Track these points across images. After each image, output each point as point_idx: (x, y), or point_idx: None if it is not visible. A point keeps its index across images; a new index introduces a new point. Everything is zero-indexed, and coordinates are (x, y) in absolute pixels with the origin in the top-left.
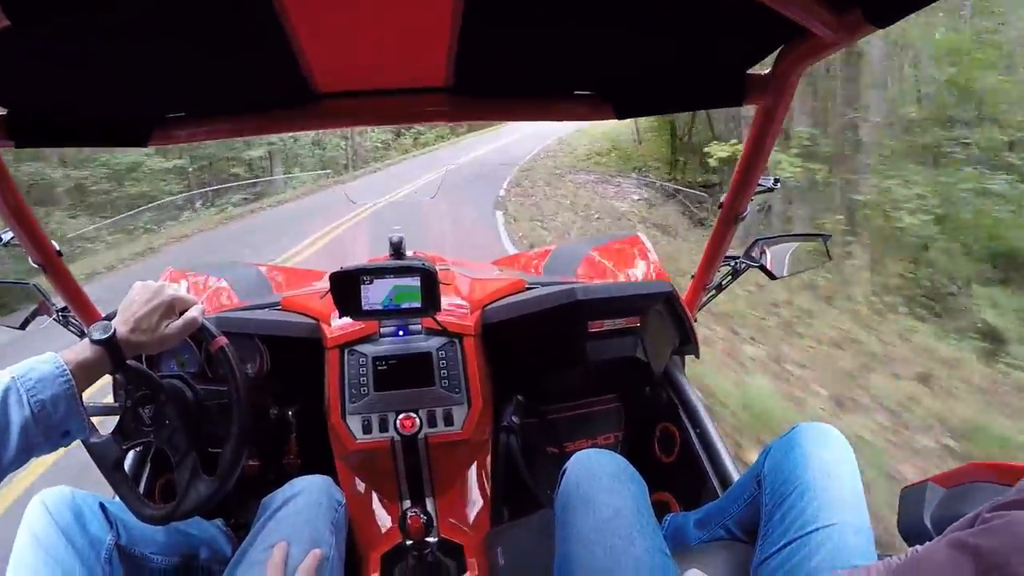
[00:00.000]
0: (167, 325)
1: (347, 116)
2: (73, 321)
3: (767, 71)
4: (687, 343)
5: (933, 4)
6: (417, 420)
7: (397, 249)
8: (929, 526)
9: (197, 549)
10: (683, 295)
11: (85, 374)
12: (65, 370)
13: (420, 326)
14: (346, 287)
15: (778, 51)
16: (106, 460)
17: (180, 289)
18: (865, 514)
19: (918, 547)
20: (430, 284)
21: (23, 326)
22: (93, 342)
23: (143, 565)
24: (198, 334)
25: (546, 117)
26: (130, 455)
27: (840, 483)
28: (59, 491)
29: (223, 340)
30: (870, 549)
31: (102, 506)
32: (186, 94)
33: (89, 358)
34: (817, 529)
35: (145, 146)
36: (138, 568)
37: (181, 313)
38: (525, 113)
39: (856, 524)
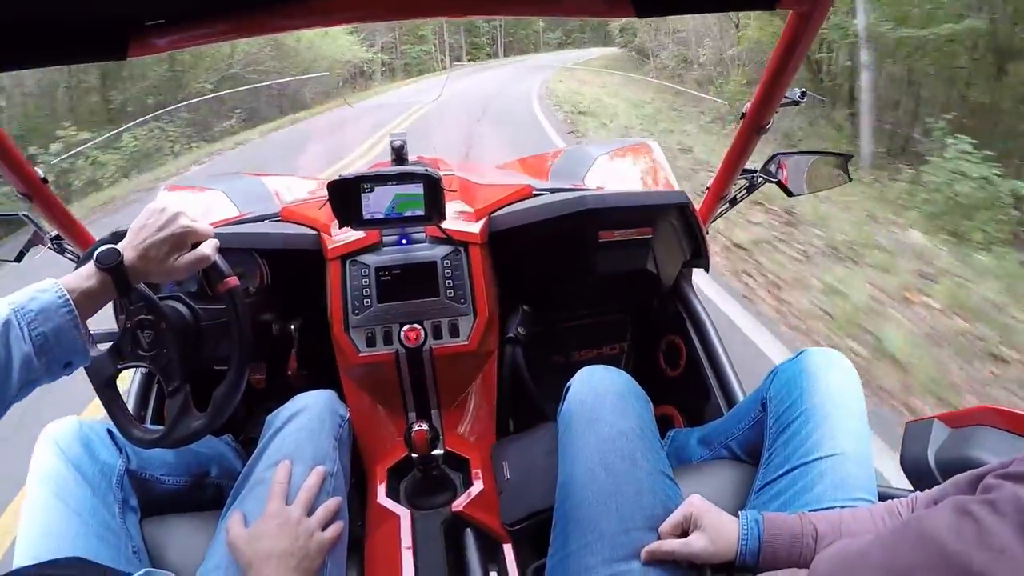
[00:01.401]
0: (177, 258)
1: (345, 12)
2: (69, 247)
3: None
4: (698, 256)
5: None
6: (422, 332)
7: (399, 154)
8: (933, 465)
9: (207, 467)
10: (696, 206)
11: (89, 302)
12: (67, 299)
13: (424, 235)
14: (346, 196)
15: None
16: (98, 376)
17: (192, 218)
18: (868, 444)
19: (918, 495)
20: (434, 191)
21: (18, 258)
22: (100, 268)
23: (154, 487)
24: (209, 270)
25: (560, 12)
26: (139, 373)
27: (846, 411)
28: (67, 423)
29: (233, 281)
30: (871, 480)
31: (110, 432)
32: None
33: (95, 285)
34: (821, 458)
35: (124, 57)
36: (150, 490)
37: (193, 245)
38: (538, 6)
39: (859, 454)
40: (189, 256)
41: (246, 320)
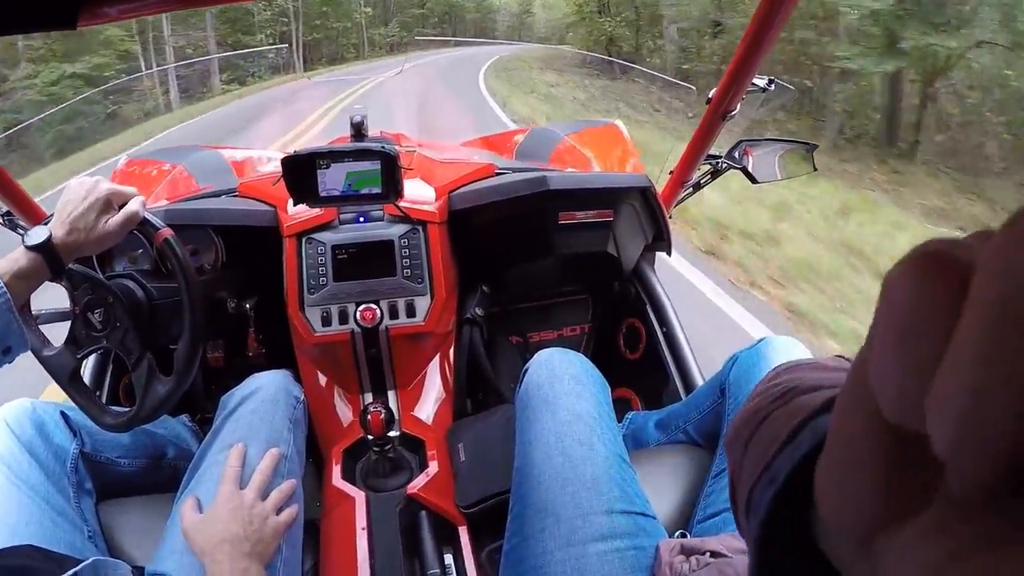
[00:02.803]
0: (106, 222)
1: None
2: (21, 224)
3: None
4: (660, 240)
5: None
6: (378, 311)
7: (358, 130)
8: None
9: (164, 448)
10: (659, 190)
11: (23, 284)
12: None
13: (382, 212)
14: (300, 172)
15: None
16: (62, 372)
17: (123, 185)
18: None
19: None
20: (391, 168)
21: None
22: (28, 248)
23: (110, 470)
24: (142, 228)
25: None
26: (90, 360)
27: None
28: (19, 405)
29: (167, 232)
30: None
31: (63, 415)
32: None
33: (25, 266)
34: None
35: (74, 27)
36: (105, 473)
37: (121, 207)
38: None
39: None
40: (118, 217)
41: (191, 274)
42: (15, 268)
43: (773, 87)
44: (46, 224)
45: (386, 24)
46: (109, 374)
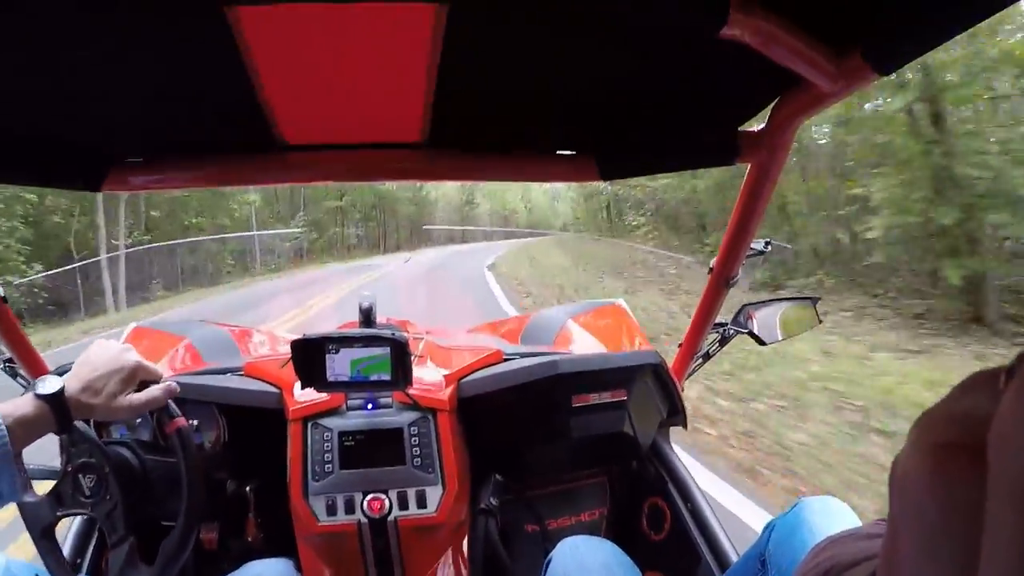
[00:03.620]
0: (126, 394)
1: (315, 169)
2: (20, 373)
3: (760, 126)
4: (675, 414)
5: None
6: (387, 501)
7: (367, 316)
8: None
9: None
10: (669, 363)
11: (24, 431)
12: (0, 424)
13: (391, 399)
14: (309, 356)
15: (772, 105)
16: (36, 524)
17: (143, 359)
18: None
19: None
20: (401, 355)
21: None
22: (37, 396)
23: None
24: (158, 410)
25: (526, 177)
26: (77, 521)
27: None
28: None
29: (182, 422)
30: None
31: None
32: (144, 137)
33: (30, 414)
34: None
35: (98, 190)
36: None
37: (142, 383)
38: (503, 172)
39: None
40: (140, 396)
41: (196, 467)
42: (19, 413)
43: (770, 248)
44: (60, 375)
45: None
46: (94, 541)
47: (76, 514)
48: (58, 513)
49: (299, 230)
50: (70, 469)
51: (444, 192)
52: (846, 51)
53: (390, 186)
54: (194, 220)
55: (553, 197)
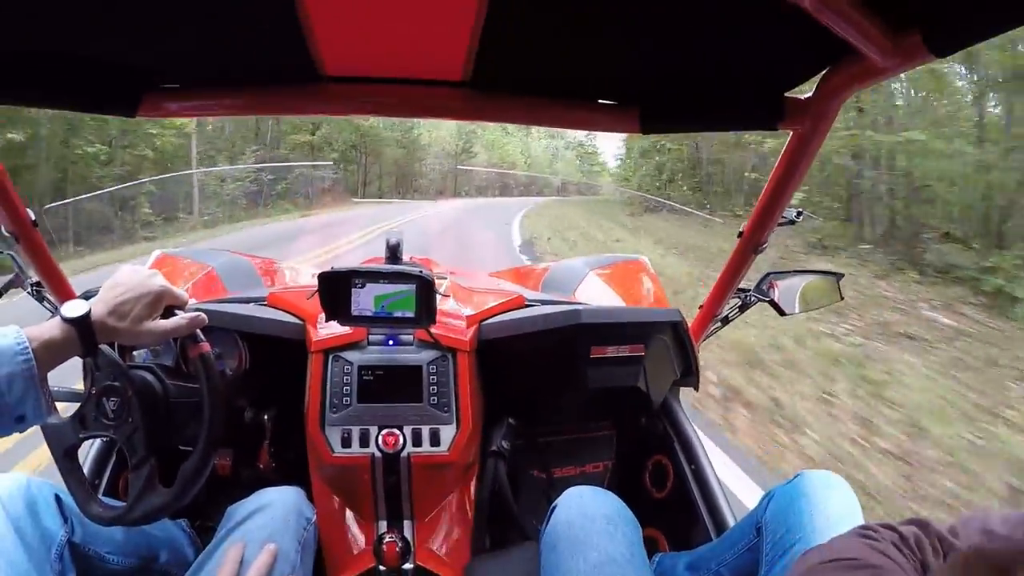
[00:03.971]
0: (152, 319)
1: (354, 102)
2: (48, 296)
3: (806, 94)
4: (689, 375)
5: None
6: (401, 437)
7: (394, 252)
8: None
9: (157, 551)
10: (689, 323)
11: (50, 354)
12: (27, 347)
13: (412, 337)
14: (335, 289)
15: (822, 73)
16: (59, 445)
17: (170, 284)
18: None
19: None
20: (426, 293)
21: None
22: (64, 320)
23: (97, 564)
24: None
25: (566, 124)
26: (96, 444)
27: None
28: (14, 478)
29: (206, 347)
30: None
31: (58, 498)
32: (183, 62)
33: (57, 337)
34: None
35: (133, 115)
36: (91, 567)
37: (168, 309)
38: (545, 117)
39: None
40: (166, 323)
41: (218, 392)
42: (46, 337)
43: (801, 218)
44: (87, 299)
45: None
46: (112, 463)
47: (99, 436)
48: (81, 435)
49: (252, 166)
50: (93, 392)
51: (439, 136)
52: (904, 27)
53: (375, 122)
54: (89, 150)
55: (553, 155)
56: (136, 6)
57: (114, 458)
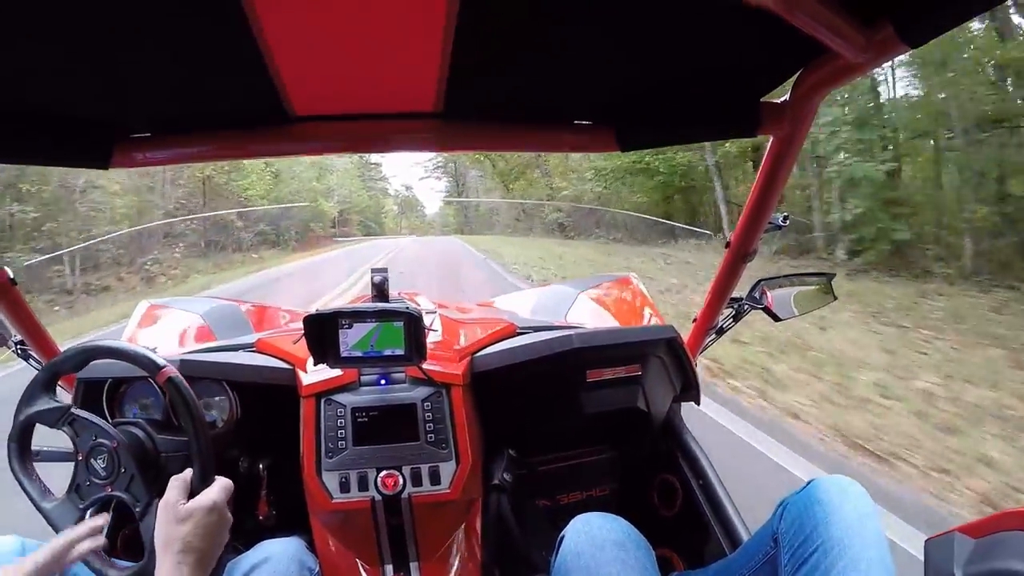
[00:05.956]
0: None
1: (327, 141)
2: (32, 355)
3: (783, 98)
4: (688, 389)
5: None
6: (400, 478)
7: (380, 290)
8: None
9: None
10: (684, 337)
11: None
12: None
13: (404, 375)
14: (322, 332)
15: (796, 75)
16: (64, 526)
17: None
18: (892, 571)
19: None
20: (415, 329)
21: None
22: None
23: None
24: (143, 368)
25: (543, 147)
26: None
27: (864, 540)
28: (7, 542)
29: (171, 370)
30: None
31: None
32: (152, 111)
33: None
34: None
35: (106, 167)
36: None
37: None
38: (521, 142)
39: None
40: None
41: (198, 412)
42: None
43: (788, 223)
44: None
45: None
46: (108, 526)
47: (99, 501)
48: (81, 506)
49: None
50: (81, 458)
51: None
52: (875, 21)
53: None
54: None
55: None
56: (102, 59)
57: (110, 520)
